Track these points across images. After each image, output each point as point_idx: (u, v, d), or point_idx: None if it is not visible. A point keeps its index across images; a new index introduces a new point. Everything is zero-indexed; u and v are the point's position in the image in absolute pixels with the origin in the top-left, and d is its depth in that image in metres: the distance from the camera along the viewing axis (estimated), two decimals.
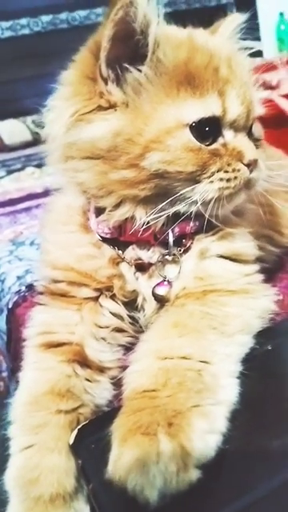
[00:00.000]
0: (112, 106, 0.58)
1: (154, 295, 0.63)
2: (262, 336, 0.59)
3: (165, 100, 0.57)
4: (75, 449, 0.51)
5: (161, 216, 0.59)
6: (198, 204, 0.58)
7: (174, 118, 0.56)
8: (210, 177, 0.58)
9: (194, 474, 0.41)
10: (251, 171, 0.61)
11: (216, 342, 0.53)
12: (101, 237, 0.66)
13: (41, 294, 0.69)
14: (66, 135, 0.59)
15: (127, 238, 0.64)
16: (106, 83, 0.58)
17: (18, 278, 1.01)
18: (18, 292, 0.95)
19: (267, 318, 0.62)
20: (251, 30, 0.70)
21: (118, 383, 0.59)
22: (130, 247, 0.65)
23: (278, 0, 3.16)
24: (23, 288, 0.95)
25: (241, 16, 0.69)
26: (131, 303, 0.66)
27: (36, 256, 1.00)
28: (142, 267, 0.65)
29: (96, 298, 0.66)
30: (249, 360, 0.54)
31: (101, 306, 0.66)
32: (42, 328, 0.64)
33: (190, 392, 0.46)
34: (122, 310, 0.66)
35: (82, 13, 3.16)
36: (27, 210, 1.55)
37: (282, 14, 3.22)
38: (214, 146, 0.59)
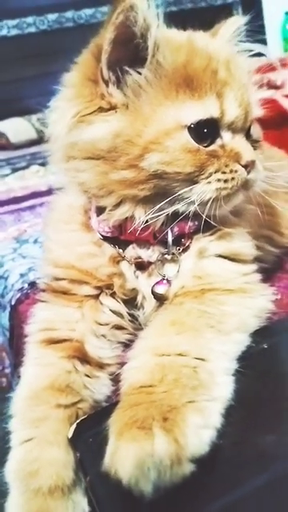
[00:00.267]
0: (113, 108, 0.59)
1: (154, 293, 0.65)
2: (258, 334, 0.60)
3: (164, 102, 0.58)
4: (74, 442, 0.52)
5: (159, 215, 0.60)
6: (196, 204, 0.59)
7: (172, 119, 0.57)
8: (207, 177, 0.59)
9: (188, 468, 0.42)
10: (249, 172, 0.61)
11: (212, 340, 0.54)
12: (102, 235, 0.67)
13: (43, 291, 0.70)
14: (68, 136, 0.61)
15: (127, 237, 0.65)
16: (107, 85, 0.59)
17: (21, 275, 1.02)
18: (21, 289, 0.96)
19: (264, 317, 0.63)
20: (255, 32, 0.71)
21: (116, 379, 0.60)
22: (130, 246, 0.66)
23: None
24: (26, 285, 0.97)
25: (241, 19, 0.70)
26: (131, 301, 0.67)
27: (39, 254, 1.01)
28: (141, 266, 0.66)
29: (96, 296, 0.67)
30: (245, 358, 0.55)
31: (101, 303, 0.67)
32: (43, 325, 0.66)
33: (185, 388, 0.47)
34: (121, 308, 0.67)
35: (88, 11, 3.18)
36: (31, 208, 1.56)
37: (287, 14, 3.22)
38: (211, 147, 0.60)
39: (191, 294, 0.62)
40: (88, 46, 0.61)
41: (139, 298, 0.67)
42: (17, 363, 0.81)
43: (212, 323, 0.56)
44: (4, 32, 3.01)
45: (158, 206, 0.59)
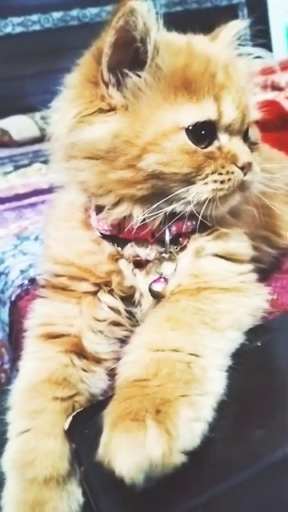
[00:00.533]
0: (112, 109, 0.60)
1: (151, 291, 0.66)
2: (252, 333, 0.61)
3: (163, 104, 0.59)
4: (70, 434, 0.53)
5: (157, 215, 0.61)
6: (193, 204, 0.61)
7: (171, 121, 0.59)
8: (204, 178, 0.60)
9: (179, 459, 0.43)
10: (245, 174, 0.63)
11: (207, 337, 0.55)
12: (101, 234, 0.68)
13: (42, 287, 0.71)
14: (69, 136, 0.62)
15: (126, 236, 0.66)
16: (107, 87, 0.60)
17: (22, 271, 1.03)
18: (21, 285, 0.98)
19: (259, 316, 0.64)
20: (256, 36, 0.72)
21: (112, 374, 0.61)
22: (129, 244, 0.67)
23: None
24: (26, 282, 0.98)
25: (242, 23, 0.71)
26: (128, 298, 0.69)
27: (39, 251, 1.03)
28: (139, 264, 0.67)
29: (95, 293, 0.68)
30: (238, 355, 0.56)
31: (99, 300, 0.68)
32: (42, 319, 0.67)
33: (178, 382, 0.48)
34: (119, 305, 0.68)
35: (93, 10, 3.18)
36: (33, 205, 1.56)
37: None
38: (209, 148, 0.61)
39: (187, 292, 0.63)
40: (90, 47, 0.62)
41: (137, 296, 0.68)
42: (16, 357, 0.82)
43: (206, 320, 0.57)
44: (9, 29, 3.01)
45: (155, 206, 0.60)
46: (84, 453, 0.50)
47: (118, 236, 0.67)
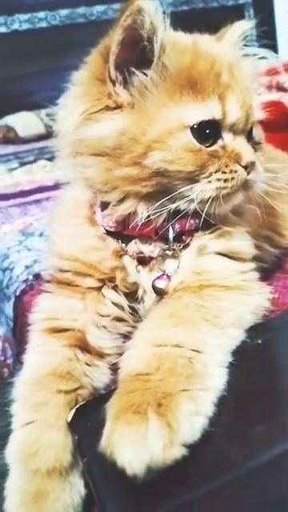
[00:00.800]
0: (119, 107, 0.61)
1: (154, 288, 0.66)
2: (253, 330, 0.61)
3: (168, 103, 0.60)
4: (73, 426, 0.54)
5: (161, 212, 0.62)
6: (196, 202, 0.61)
7: (176, 119, 0.59)
8: (208, 177, 0.61)
9: (180, 452, 0.43)
10: (248, 173, 0.63)
11: (208, 334, 0.56)
12: (106, 230, 0.69)
13: (47, 282, 0.72)
14: (76, 132, 0.62)
15: (130, 232, 0.67)
16: (114, 85, 0.61)
17: (27, 267, 1.04)
18: (26, 280, 0.99)
19: (260, 314, 0.64)
20: (261, 37, 0.72)
21: (115, 368, 0.61)
22: (133, 241, 0.68)
23: None
24: (31, 277, 0.99)
25: (247, 23, 0.72)
26: (132, 294, 0.69)
27: (44, 247, 1.04)
28: (143, 261, 0.68)
29: (99, 288, 0.69)
30: (239, 352, 0.57)
31: (103, 295, 0.69)
32: (47, 314, 0.68)
33: (180, 377, 0.49)
34: (123, 301, 0.69)
35: (100, 8, 3.19)
36: (38, 202, 1.57)
37: None
38: (213, 147, 0.62)
39: (190, 289, 0.63)
40: (97, 44, 0.63)
41: (140, 292, 0.68)
42: (20, 351, 0.83)
43: (208, 317, 0.58)
44: (16, 26, 3.02)
45: (159, 203, 0.61)
46: (86, 445, 0.51)
47: (122, 233, 0.68)
